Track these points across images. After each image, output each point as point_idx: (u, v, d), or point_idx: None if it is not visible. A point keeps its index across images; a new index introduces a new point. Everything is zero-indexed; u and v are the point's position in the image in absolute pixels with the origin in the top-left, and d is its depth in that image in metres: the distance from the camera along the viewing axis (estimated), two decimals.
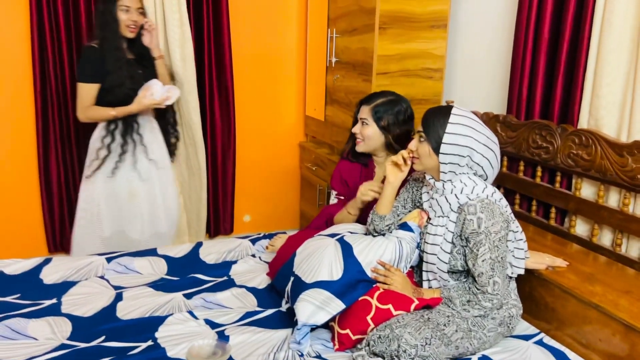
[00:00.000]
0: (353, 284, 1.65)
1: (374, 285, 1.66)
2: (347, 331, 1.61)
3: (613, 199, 1.91)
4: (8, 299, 1.87)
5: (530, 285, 1.77)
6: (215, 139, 3.35)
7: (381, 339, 1.49)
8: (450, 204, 1.61)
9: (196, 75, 3.13)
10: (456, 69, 2.85)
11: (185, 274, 2.11)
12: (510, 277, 1.67)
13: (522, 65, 2.23)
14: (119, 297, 1.88)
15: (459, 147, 1.58)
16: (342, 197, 2.17)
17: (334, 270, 1.66)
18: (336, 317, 1.64)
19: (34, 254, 2.64)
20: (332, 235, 1.81)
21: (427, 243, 1.68)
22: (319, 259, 1.71)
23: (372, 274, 1.68)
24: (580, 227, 2.04)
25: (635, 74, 1.79)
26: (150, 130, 2.52)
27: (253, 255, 2.28)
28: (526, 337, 1.69)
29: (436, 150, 1.60)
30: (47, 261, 2.14)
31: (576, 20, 2.00)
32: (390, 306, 1.58)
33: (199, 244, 2.34)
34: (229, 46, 3.21)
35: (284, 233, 2.42)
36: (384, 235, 1.79)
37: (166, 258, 2.22)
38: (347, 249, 1.71)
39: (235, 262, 2.21)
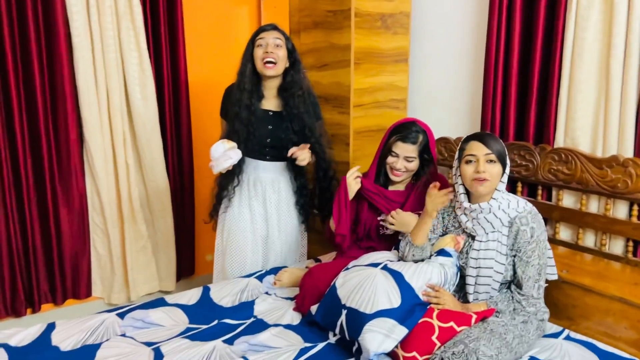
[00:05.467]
0: (411, 308, 1.75)
1: (428, 307, 1.77)
2: (414, 353, 1.69)
3: (593, 206, 2.22)
4: None
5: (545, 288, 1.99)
6: (175, 178, 3.24)
7: (456, 355, 1.59)
8: (500, 219, 1.78)
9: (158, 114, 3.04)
10: (417, 98, 3.08)
11: (209, 320, 2.04)
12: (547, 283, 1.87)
13: (493, 94, 2.50)
14: (158, 353, 1.77)
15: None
16: None
17: (392, 297, 1.75)
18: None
19: None
20: (374, 265, 1.89)
21: (476, 259, 1.82)
22: (372, 289, 1.78)
23: (424, 297, 1.79)
24: (564, 233, 2.33)
25: (606, 100, 2.13)
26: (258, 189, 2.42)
27: (267, 293, 2.27)
28: (554, 335, 1.90)
29: (504, 168, 1.79)
30: (50, 327, 1.94)
31: (545, 53, 2.32)
32: (452, 324, 1.70)
33: (206, 289, 2.27)
34: (186, 86, 3.14)
35: (286, 267, 2.45)
36: (422, 261, 1.91)
37: (180, 307, 2.13)
38: (398, 277, 1.80)
39: (253, 302, 2.18)
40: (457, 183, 1.87)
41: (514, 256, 1.78)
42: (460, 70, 2.82)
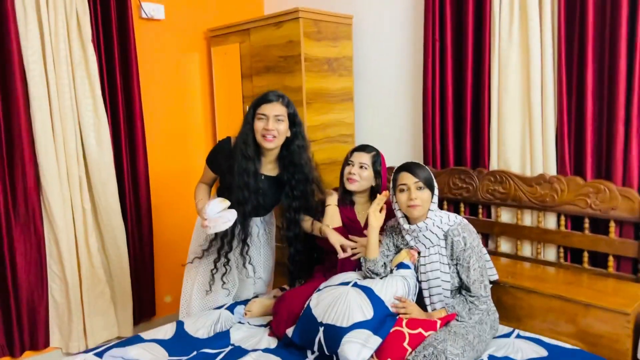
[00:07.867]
0: (382, 319, 1.92)
1: (397, 317, 1.95)
2: None
3: (527, 220, 2.52)
4: None
5: (494, 293, 2.23)
6: (132, 223, 3.27)
7: (427, 358, 1.78)
8: (436, 234, 2.02)
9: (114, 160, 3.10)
10: (363, 133, 3.34)
11: (188, 352, 2.11)
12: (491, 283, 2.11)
13: (432, 127, 2.80)
14: None
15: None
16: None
17: (365, 310, 1.92)
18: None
19: None
20: (345, 284, 2.06)
21: (425, 273, 2.04)
22: (346, 304, 1.94)
23: (393, 309, 1.97)
24: (504, 245, 2.61)
25: (530, 126, 2.46)
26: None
27: (240, 322, 2.37)
28: (506, 335, 2.13)
29: (433, 191, 2.01)
30: None
31: (475, 88, 2.64)
32: (420, 330, 1.89)
33: (180, 323, 2.33)
34: (142, 131, 3.22)
35: (257, 297, 2.56)
36: (378, 275, 2.09)
37: (158, 342, 2.18)
38: (368, 291, 1.98)
39: (228, 331, 2.27)
40: (395, 209, 2.11)
41: (456, 265, 2.01)
42: (400, 106, 3.11)
